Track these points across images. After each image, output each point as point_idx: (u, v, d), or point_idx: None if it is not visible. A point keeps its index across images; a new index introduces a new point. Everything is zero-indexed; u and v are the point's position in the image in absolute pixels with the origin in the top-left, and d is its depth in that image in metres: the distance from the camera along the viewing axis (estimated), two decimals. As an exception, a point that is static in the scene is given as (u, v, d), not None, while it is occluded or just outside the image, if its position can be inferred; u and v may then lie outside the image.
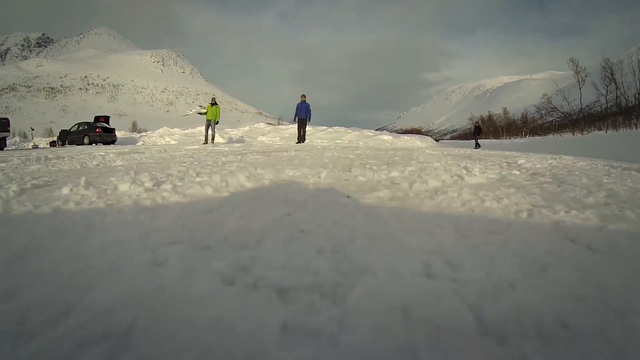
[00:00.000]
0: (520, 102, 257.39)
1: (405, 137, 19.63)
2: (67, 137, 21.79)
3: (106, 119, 22.13)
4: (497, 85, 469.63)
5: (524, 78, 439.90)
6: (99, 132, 20.50)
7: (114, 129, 21.52)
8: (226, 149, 9.55)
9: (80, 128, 21.47)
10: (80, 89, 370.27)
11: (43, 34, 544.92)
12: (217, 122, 15.74)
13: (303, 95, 15.62)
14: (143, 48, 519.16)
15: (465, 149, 15.93)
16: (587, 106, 60.83)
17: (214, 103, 15.76)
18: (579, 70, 54.01)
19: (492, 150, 14.23)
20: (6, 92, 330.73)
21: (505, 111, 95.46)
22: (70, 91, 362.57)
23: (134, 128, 79.37)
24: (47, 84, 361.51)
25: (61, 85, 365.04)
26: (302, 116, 15.32)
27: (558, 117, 55.52)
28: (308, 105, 15.40)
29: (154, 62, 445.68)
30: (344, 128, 20.93)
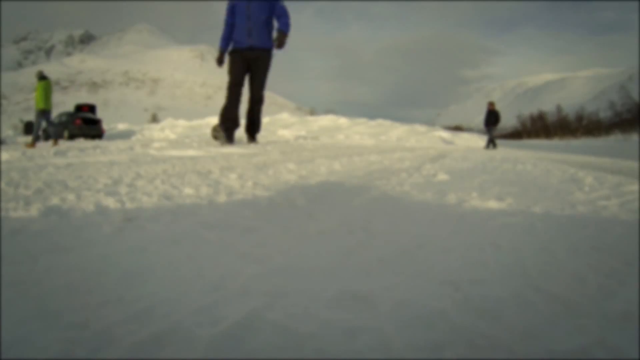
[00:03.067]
0: (563, 101, 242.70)
1: (465, 135, 15.09)
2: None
3: (91, 108, 18.34)
4: (540, 83, 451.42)
5: (567, 76, 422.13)
6: (79, 124, 16.71)
7: (99, 120, 17.64)
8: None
9: (63, 119, 17.85)
10: (121, 83, 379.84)
11: (86, 31, 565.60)
12: (43, 112, 9.02)
13: None
14: (182, 43, 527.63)
15: (534, 151, 12.43)
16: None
17: (40, 77, 9.23)
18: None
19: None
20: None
21: (560, 108, 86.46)
22: (111, 85, 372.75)
23: (153, 120, 77.22)
24: (90, 79, 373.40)
25: (103, 80, 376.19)
26: (261, 43, 5.62)
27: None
28: (277, 3, 5.55)
29: (192, 57, 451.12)
30: (389, 122, 16.07)
